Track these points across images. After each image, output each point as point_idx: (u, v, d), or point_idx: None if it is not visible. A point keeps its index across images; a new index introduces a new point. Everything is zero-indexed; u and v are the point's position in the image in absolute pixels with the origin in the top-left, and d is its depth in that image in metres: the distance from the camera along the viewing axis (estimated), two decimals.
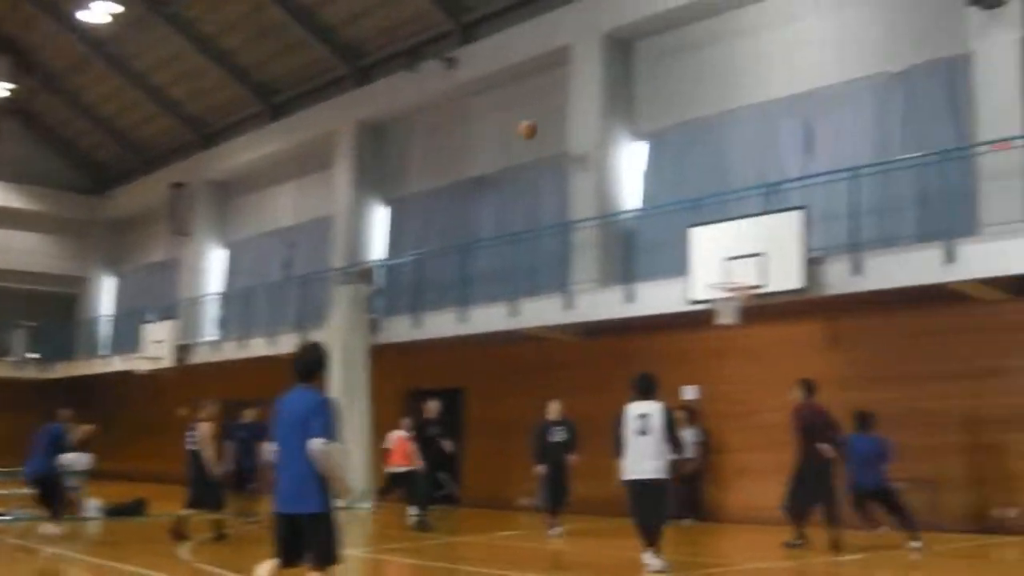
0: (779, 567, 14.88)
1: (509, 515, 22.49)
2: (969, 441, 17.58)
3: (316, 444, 8.49)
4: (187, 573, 13.98)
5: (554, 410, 19.10)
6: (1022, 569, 14.94)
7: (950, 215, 17.44)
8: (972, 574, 14.16)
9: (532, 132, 18.98)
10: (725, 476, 20.63)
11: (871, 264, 17.83)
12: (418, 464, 20.73)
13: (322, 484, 8.63)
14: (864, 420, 16.03)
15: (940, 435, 17.81)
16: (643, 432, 13.51)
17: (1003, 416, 17.21)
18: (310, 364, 9.01)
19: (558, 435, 18.87)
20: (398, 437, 22.19)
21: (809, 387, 16.00)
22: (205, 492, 17.50)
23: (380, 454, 24.94)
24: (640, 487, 13.56)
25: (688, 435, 18.90)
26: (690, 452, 18.99)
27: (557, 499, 18.90)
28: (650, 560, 13.28)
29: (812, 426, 15.68)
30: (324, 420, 8.62)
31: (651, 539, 13.43)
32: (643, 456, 13.49)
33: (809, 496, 15.64)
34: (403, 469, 21.38)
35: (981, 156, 17.62)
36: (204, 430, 17.61)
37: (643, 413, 13.62)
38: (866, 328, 19.16)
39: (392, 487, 22.43)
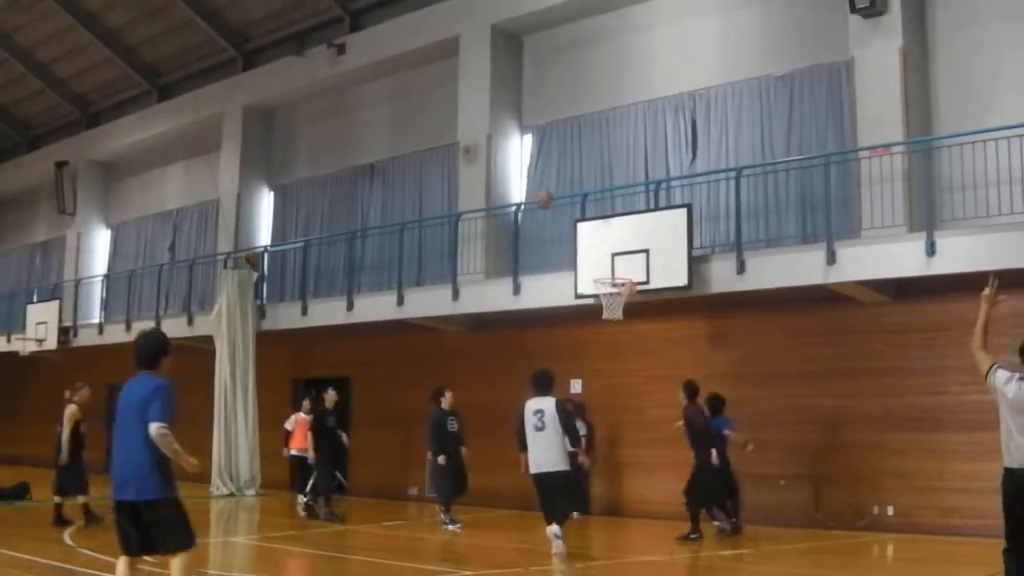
0: (667, 560, 15.22)
1: (397, 505, 22.65)
2: (848, 439, 18.04)
3: (153, 428, 8.47)
4: (67, 557, 13.92)
5: (449, 399, 19.19)
6: (898, 565, 15.42)
7: (832, 218, 17.78)
8: (851, 569, 14.58)
9: (548, 201, 19.60)
10: (616, 470, 20.88)
11: (754, 264, 18.13)
12: (312, 453, 20.71)
13: (161, 470, 8.60)
14: (718, 403, 17.16)
15: (821, 433, 18.32)
16: (539, 428, 14.50)
17: (881, 415, 17.70)
18: (151, 351, 9.01)
19: (454, 424, 19.03)
20: (300, 419, 22.13)
21: (693, 390, 16.56)
22: (64, 477, 17.45)
23: (266, 442, 25.04)
24: (542, 480, 14.57)
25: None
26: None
27: (457, 489, 19.05)
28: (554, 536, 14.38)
29: (699, 425, 16.36)
30: (160, 404, 8.60)
31: (557, 522, 14.47)
32: (541, 450, 14.59)
33: (707, 494, 16.38)
34: (304, 454, 21.37)
35: (862, 161, 18.03)
36: (67, 413, 17.53)
37: (538, 409, 14.61)
38: (751, 326, 19.54)
39: (300, 473, 22.31)
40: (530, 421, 14.66)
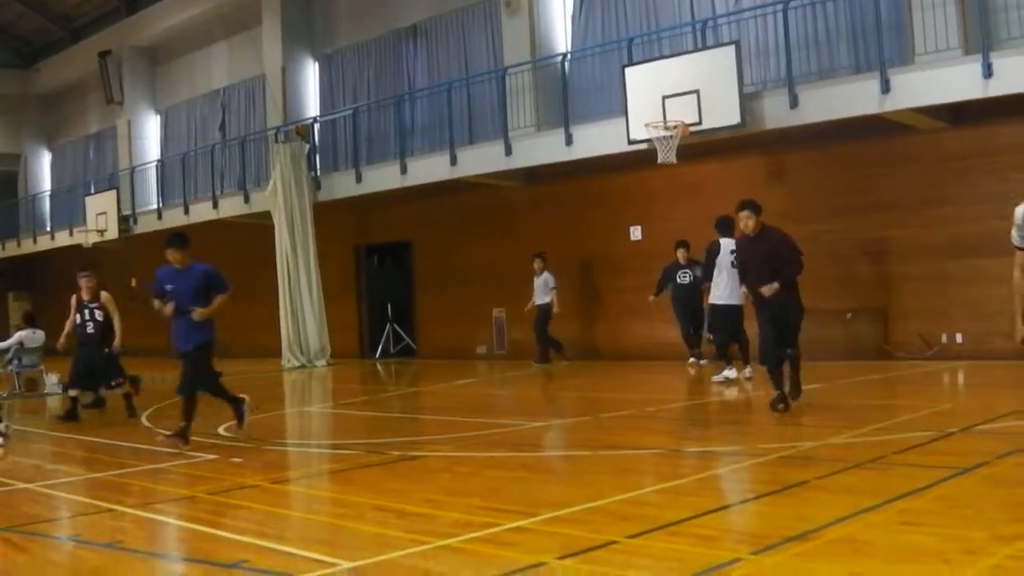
0: (739, 399, 15.18)
1: (466, 364, 22.80)
2: (913, 270, 17.99)
3: None
4: (146, 439, 14.00)
5: (683, 254, 19.38)
6: (971, 390, 15.35)
7: (884, 45, 17.46)
8: (924, 396, 14.49)
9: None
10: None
11: (807, 97, 17.91)
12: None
13: None
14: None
15: (885, 265, 18.29)
16: (734, 265, 15.13)
17: (945, 244, 17.62)
18: None
19: (686, 276, 19.28)
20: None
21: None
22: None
23: (332, 312, 25.21)
24: (730, 311, 16.17)
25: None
26: None
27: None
28: (727, 372, 16.35)
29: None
30: None
31: (723, 353, 16.59)
32: (735, 286, 15.66)
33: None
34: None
35: None
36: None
37: (733, 249, 15.19)
38: (807, 161, 19.40)
39: None
40: (726, 259, 15.80)
